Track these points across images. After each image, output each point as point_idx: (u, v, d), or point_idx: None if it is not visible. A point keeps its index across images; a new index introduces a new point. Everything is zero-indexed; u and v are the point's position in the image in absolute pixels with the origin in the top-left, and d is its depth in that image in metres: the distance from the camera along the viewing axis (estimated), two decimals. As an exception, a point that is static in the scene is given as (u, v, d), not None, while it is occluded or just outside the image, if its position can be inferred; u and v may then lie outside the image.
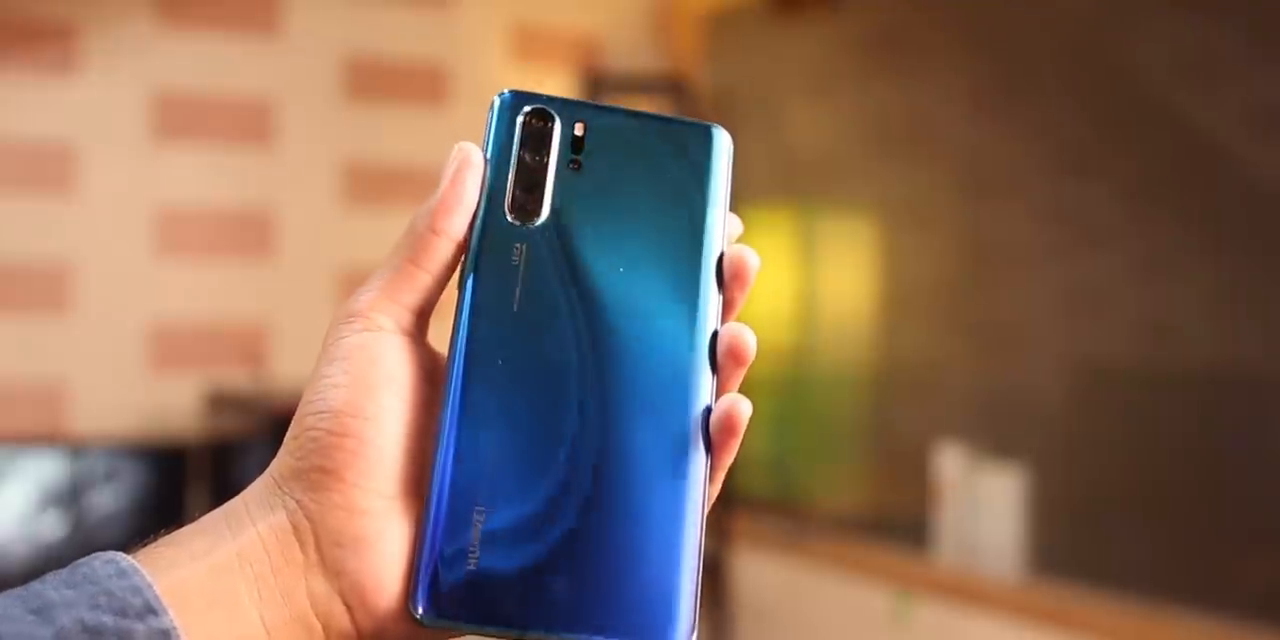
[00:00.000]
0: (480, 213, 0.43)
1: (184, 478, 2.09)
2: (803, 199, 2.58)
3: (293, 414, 0.42)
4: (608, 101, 2.57)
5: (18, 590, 0.37)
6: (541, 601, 0.39)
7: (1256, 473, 1.75)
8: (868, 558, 2.29)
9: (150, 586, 0.37)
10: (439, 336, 0.44)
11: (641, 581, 0.40)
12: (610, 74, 2.68)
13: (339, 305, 0.46)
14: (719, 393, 0.43)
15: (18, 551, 1.97)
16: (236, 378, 2.38)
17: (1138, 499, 1.90)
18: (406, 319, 0.43)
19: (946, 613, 2.10)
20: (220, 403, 2.25)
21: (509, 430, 0.41)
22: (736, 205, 0.46)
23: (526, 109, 0.44)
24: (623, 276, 0.43)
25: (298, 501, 0.40)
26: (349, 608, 0.39)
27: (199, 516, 0.41)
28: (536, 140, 0.44)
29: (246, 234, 2.44)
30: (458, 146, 0.44)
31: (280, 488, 0.40)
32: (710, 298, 0.43)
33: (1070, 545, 2.02)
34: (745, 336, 0.43)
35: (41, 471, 2.01)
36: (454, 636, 0.41)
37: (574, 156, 0.44)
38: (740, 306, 0.44)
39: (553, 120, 0.44)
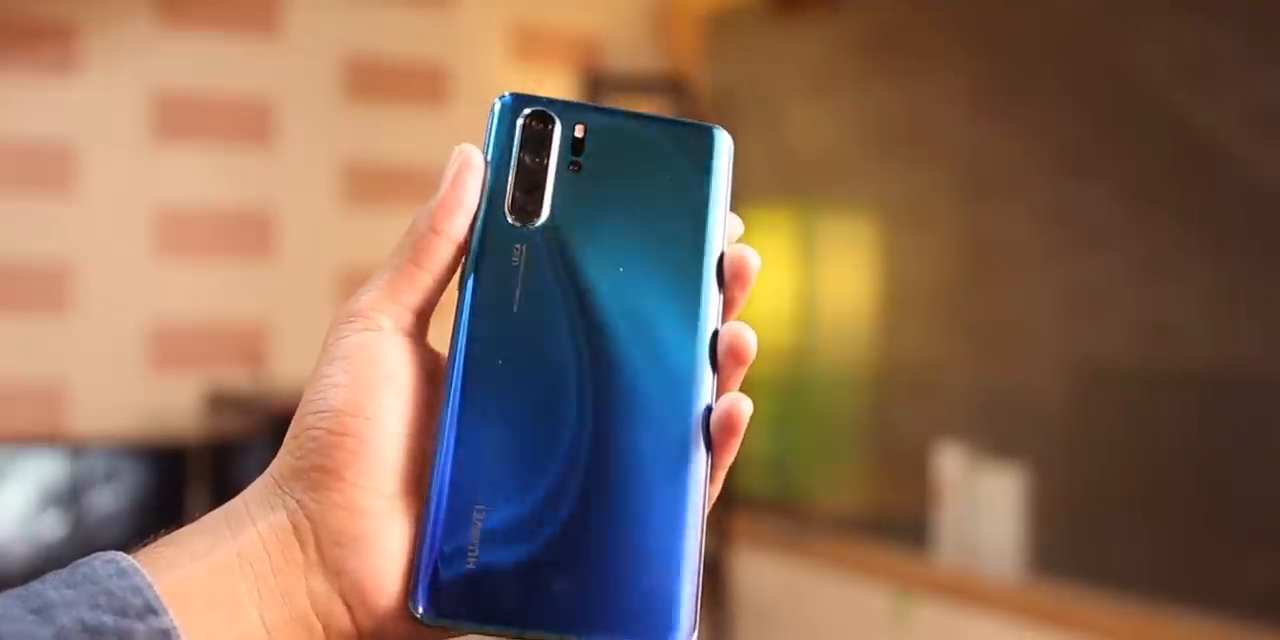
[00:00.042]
0: (481, 214, 0.43)
1: (184, 478, 2.09)
2: (803, 199, 2.58)
3: (293, 414, 0.42)
4: (608, 102, 2.58)
5: (18, 590, 0.37)
6: (541, 601, 0.39)
7: (1256, 473, 1.75)
8: (868, 558, 2.29)
9: (150, 586, 0.37)
10: (439, 337, 0.44)
11: (642, 581, 0.40)
12: (610, 74, 2.68)
13: (339, 305, 0.46)
14: (719, 392, 0.43)
15: (18, 551, 1.97)
16: (236, 378, 2.38)
17: (1138, 499, 1.90)
18: (407, 319, 0.43)
19: (946, 613, 2.10)
20: (220, 403, 2.25)
21: (509, 430, 0.41)
22: (736, 205, 0.46)
23: (527, 111, 0.45)
24: (623, 276, 0.43)
25: (298, 501, 0.40)
26: (349, 607, 0.39)
27: (199, 516, 0.41)
28: (536, 142, 0.44)
29: (246, 234, 2.44)
30: (458, 148, 0.44)
31: (280, 487, 0.40)
32: (711, 297, 0.43)
33: (1070, 545, 2.02)
34: (746, 335, 0.43)
35: (41, 471, 2.01)
36: (454, 635, 0.41)
37: (574, 158, 0.44)
38: (741, 306, 0.44)
39: (553, 122, 0.45)
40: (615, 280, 0.43)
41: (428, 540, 0.40)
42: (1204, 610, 1.78)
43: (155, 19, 2.37)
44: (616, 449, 0.41)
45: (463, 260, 0.43)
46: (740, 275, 0.44)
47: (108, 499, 2.04)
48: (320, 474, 0.40)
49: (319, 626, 0.39)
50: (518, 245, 0.43)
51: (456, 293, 0.43)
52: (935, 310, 2.27)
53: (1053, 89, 2.06)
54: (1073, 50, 2.04)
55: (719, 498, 0.43)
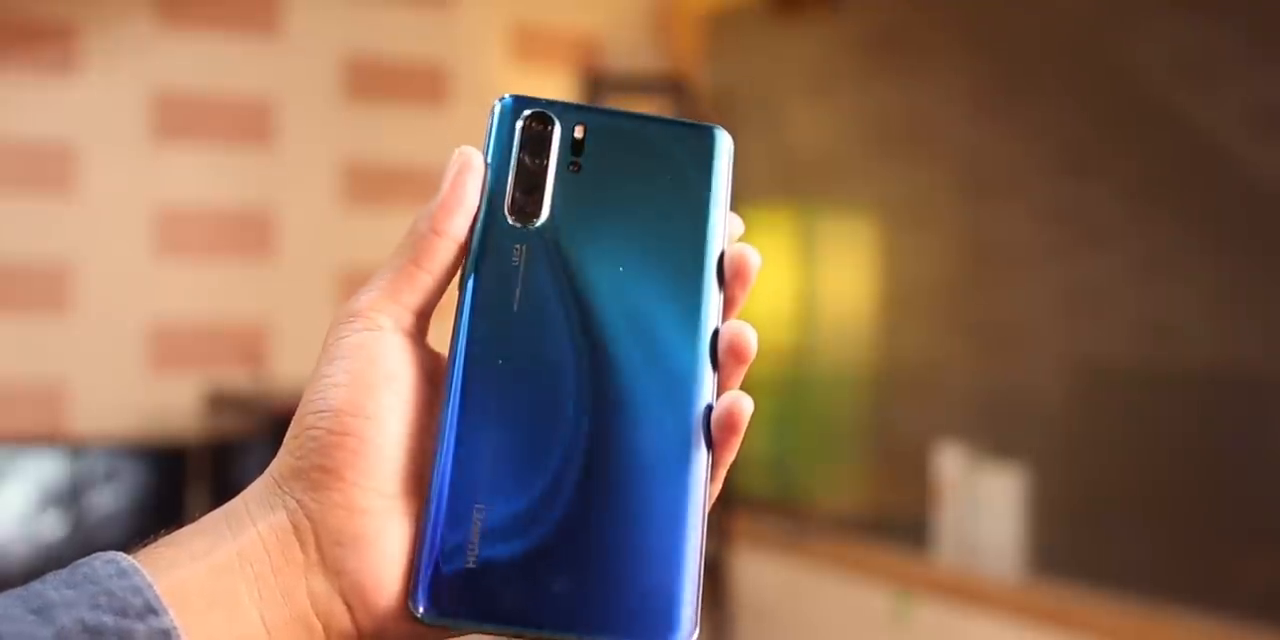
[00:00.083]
0: (481, 214, 0.43)
1: (184, 478, 2.09)
2: (803, 199, 2.58)
3: (293, 414, 0.42)
4: (608, 102, 2.57)
5: (18, 590, 0.37)
6: (542, 600, 0.39)
7: (1256, 473, 1.75)
8: (868, 558, 2.29)
9: (151, 586, 0.37)
10: (439, 337, 0.44)
11: (643, 580, 0.40)
12: (610, 74, 2.68)
13: (340, 305, 0.46)
14: (720, 390, 0.43)
15: (18, 551, 1.97)
16: (236, 378, 2.38)
17: (1138, 499, 1.90)
18: (407, 319, 0.43)
19: (946, 613, 2.10)
20: (220, 403, 2.25)
21: (509, 429, 0.41)
22: (736, 205, 0.46)
23: (526, 113, 0.45)
24: (623, 276, 0.43)
25: (298, 501, 0.40)
26: (349, 607, 0.39)
27: (199, 516, 0.41)
28: (536, 143, 0.44)
29: (246, 234, 2.44)
30: (458, 151, 0.44)
31: (280, 487, 0.41)
32: (711, 296, 0.43)
33: (1070, 545, 2.02)
34: (746, 334, 0.43)
35: (41, 471, 2.01)
36: (455, 635, 0.41)
37: (574, 159, 0.45)
38: (741, 305, 0.44)
39: (552, 124, 0.45)
40: (615, 279, 0.43)
41: (428, 539, 0.40)
42: (1204, 610, 1.78)
43: (155, 19, 2.37)
44: (617, 448, 0.41)
45: (463, 261, 0.43)
46: (741, 274, 0.44)
47: (108, 499, 2.04)
48: (320, 474, 0.40)
49: (319, 626, 0.39)
50: (518, 245, 0.43)
51: (457, 293, 0.43)
52: (935, 310, 2.27)
53: (1053, 89, 2.06)
54: (1073, 50, 2.04)
55: (719, 497, 0.43)
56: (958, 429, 2.17)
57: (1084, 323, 1.98)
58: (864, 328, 2.40)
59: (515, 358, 0.42)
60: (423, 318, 0.44)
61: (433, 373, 0.43)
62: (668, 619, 0.40)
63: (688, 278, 0.44)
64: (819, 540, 2.39)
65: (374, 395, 0.41)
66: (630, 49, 2.82)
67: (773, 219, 2.61)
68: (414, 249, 0.43)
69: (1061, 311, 2.02)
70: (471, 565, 0.40)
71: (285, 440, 0.41)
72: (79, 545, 1.99)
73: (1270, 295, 1.75)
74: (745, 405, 0.42)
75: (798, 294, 2.55)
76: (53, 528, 2.00)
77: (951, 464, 2.13)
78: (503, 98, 0.45)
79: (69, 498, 2.01)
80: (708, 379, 0.43)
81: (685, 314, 0.43)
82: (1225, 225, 1.81)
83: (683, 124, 0.46)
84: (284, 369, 2.44)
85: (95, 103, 2.32)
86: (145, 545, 0.40)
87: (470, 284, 0.43)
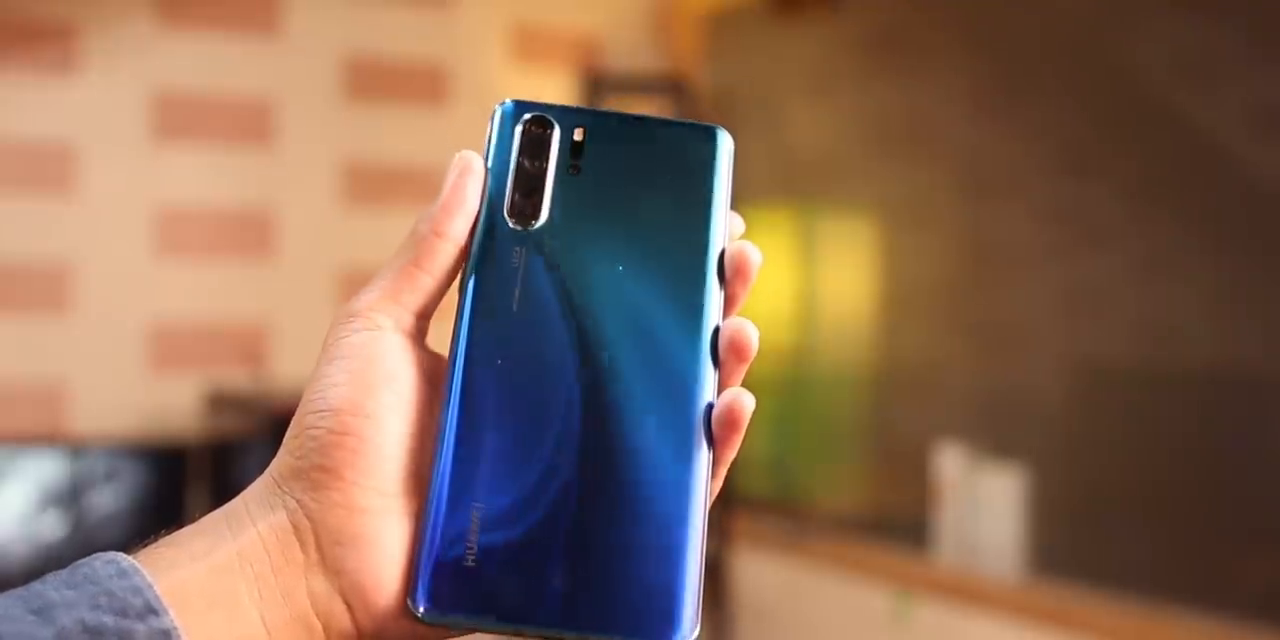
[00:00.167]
0: (481, 217, 0.44)
1: (184, 478, 2.09)
2: (803, 199, 2.58)
3: (293, 414, 0.42)
4: (608, 102, 2.57)
5: (18, 590, 0.37)
6: (542, 598, 0.39)
7: (1256, 473, 1.75)
8: (868, 558, 2.29)
9: (151, 587, 0.37)
10: (440, 338, 0.44)
11: (643, 577, 0.40)
12: (610, 74, 2.68)
13: (340, 306, 0.46)
14: (721, 388, 0.43)
15: (18, 551, 1.97)
16: (236, 378, 2.38)
17: (1138, 499, 1.90)
18: (407, 320, 0.43)
19: (946, 613, 2.10)
20: (220, 403, 2.25)
21: (509, 428, 0.41)
22: (736, 205, 0.46)
23: (526, 117, 0.45)
24: (623, 275, 0.43)
25: (298, 501, 0.40)
26: (349, 606, 0.39)
27: (199, 517, 0.41)
28: (535, 146, 0.45)
29: (246, 234, 2.44)
30: (459, 154, 0.44)
31: (280, 487, 0.41)
32: (712, 294, 0.44)
33: (1070, 545, 2.02)
34: (747, 331, 0.43)
35: (41, 471, 2.01)
36: (454, 634, 0.41)
37: (573, 161, 0.45)
38: (742, 302, 0.44)
39: (552, 127, 0.45)
40: (615, 279, 0.43)
41: (427, 538, 0.40)
42: (1204, 610, 1.78)
43: (155, 19, 2.37)
44: (617, 446, 0.41)
45: (463, 262, 0.44)
46: (741, 271, 0.44)
47: (108, 499, 2.04)
48: (320, 473, 0.40)
49: (319, 626, 0.39)
50: (518, 247, 0.43)
51: (457, 295, 0.43)
52: (935, 310, 2.27)
53: (1053, 89, 2.06)
54: (1073, 50, 2.04)
55: (719, 497, 0.43)
56: (958, 429, 2.17)
57: (1084, 323, 1.98)
58: (864, 328, 2.40)
59: (515, 358, 0.42)
60: (423, 319, 0.44)
61: (432, 373, 0.43)
62: (668, 617, 0.40)
63: (688, 276, 0.44)
64: (819, 540, 2.39)
65: (374, 395, 0.41)
66: (630, 49, 2.82)
67: (773, 219, 2.61)
68: (414, 250, 0.43)
69: (1061, 311, 2.02)
70: (470, 564, 0.40)
71: (285, 440, 0.41)
72: (79, 545, 1.99)
73: (1270, 295, 1.75)
74: (746, 402, 0.42)
75: (798, 294, 2.55)
76: (53, 528, 2.00)
77: (951, 464, 2.13)
78: (503, 102, 0.46)
79: (69, 498, 2.01)
80: (709, 377, 0.43)
81: (686, 312, 0.43)
82: (1225, 225, 1.81)
83: (683, 124, 0.46)
84: (284, 369, 2.44)
85: (95, 103, 2.32)
86: (145, 546, 0.40)
87: (470, 285, 0.43)
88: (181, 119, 2.39)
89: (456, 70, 2.64)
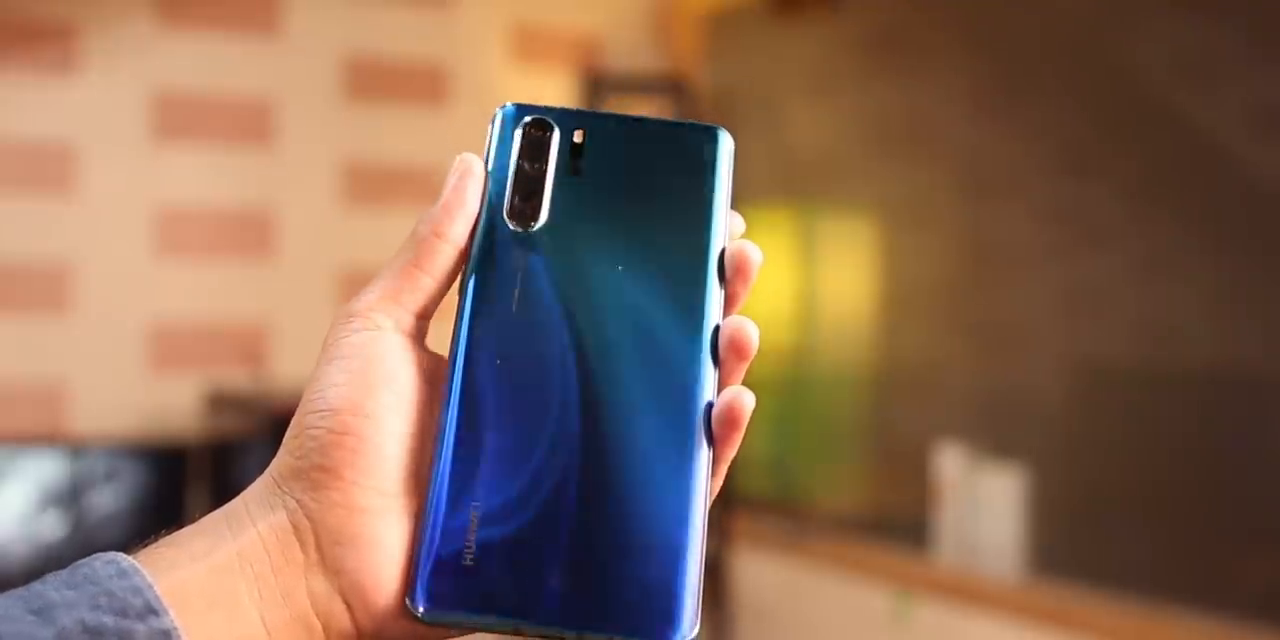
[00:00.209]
0: (481, 219, 0.44)
1: (184, 478, 2.09)
2: (803, 199, 2.58)
3: (293, 414, 0.42)
4: (608, 102, 2.57)
5: (18, 591, 0.37)
6: (541, 596, 0.40)
7: (1256, 473, 1.75)
8: (868, 558, 2.29)
9: (151, 587, 0.37)
10: (440, 339, 0.44)
11: (643, 575, 0.40)
12: (610, 74, 2.68)
13: (340, 306, 0.46)
14: (722, 387, 0.43)
15: (18, 551, 1.97)
16: (236, 378, 2.38)
17: (1138, 499, 1.90)
18: (407, 320, 0.43)
19: (946, 613, 2.10)
20: (220, 403, 2.25)
21: (508, 428, 0.41)
22: (736, 205, 0.46)
23: (526, 120, 0.45)
24: (622, 275, 0.43)
25: (298, 501, 0.40)
26: (349, 606, 0.39)
27: (199, 517, 0.41)
28: (535, 149, 0.45)
29: (246, 234, 2.44)
30: (459, 157, 0.45)
31: (280, 487, 0.41)
32: (712, 293, 0.44)
33: (1070, 545, 2.02)
34: (747, 329, 0.43)
35: (41, 471, 2.01)
36: (454, 633, 0.41)
37: (573, 162, 0.45)
38: (743, 301, 0.44)
39: (551, 129, 0.45)
40: (614, 278, 0.43)
41: (426, 538, 0.40)
42: (1204, 610, 1.79)
43: (155, 19, 2.37)
44: (617, 445, 0.41)
45: (463, 264, 0.44)
46: (742, 270, 0.44)
47: (108, 499, 2.04)
48: (320, 473, 0.40)
49: (319, 626, 0.39)
50: (518, 248, 0.44)
51: (457, 296, 0.43)
52: (935, 310, 2.27)
53: (1053, 89, 2.06)
54: (1073, 50, 2.04)
55: (719, 497, 0.43)
56: (958, 429, 2.17)
57: (1084, 323, 1.98)
58: (864, 328, 2.40)
59: (514, 358, 0.42)
60: (423, 319, 0.44)
61: (432, 373, 0.43)
62: (668, 614, 0.40)
63: (689, 275, 0.44)
64: (819, 540, 2.39)
65: (373, 394, 0.41)
66: (630, 49, 2.82)
67: (773, 219, 2.61)
68: (415, 251, 0.43)
69: (1061, 311, 2.02)
70: (469, 563, 0.40)
71: (285, 440, 0.41)
72: (79, 545, 1.99)
73: (1270, 295, 1.75)
74: (747, 400, 0.42)
75: (798, 294, 2.55)
76: (53, 528, 2.00)
77: (951, 464, 2.13)
78: (504, 105, 0.46)
79: (69, 498, 2.01)
80: (709, 375, 0.43)
81: (686, 311, 0.43)
82: (1225, 225, 1.81)
83: (683, 125, 0.46)
84: (284, 369, 2.44)
85: (95, 103, 2.32)
86: (145, 546, 0.40)
87: (470, 286, 0.43)
88: (181, 119, 2.39)
89: (456, 70, 2.64)
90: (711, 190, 0.45)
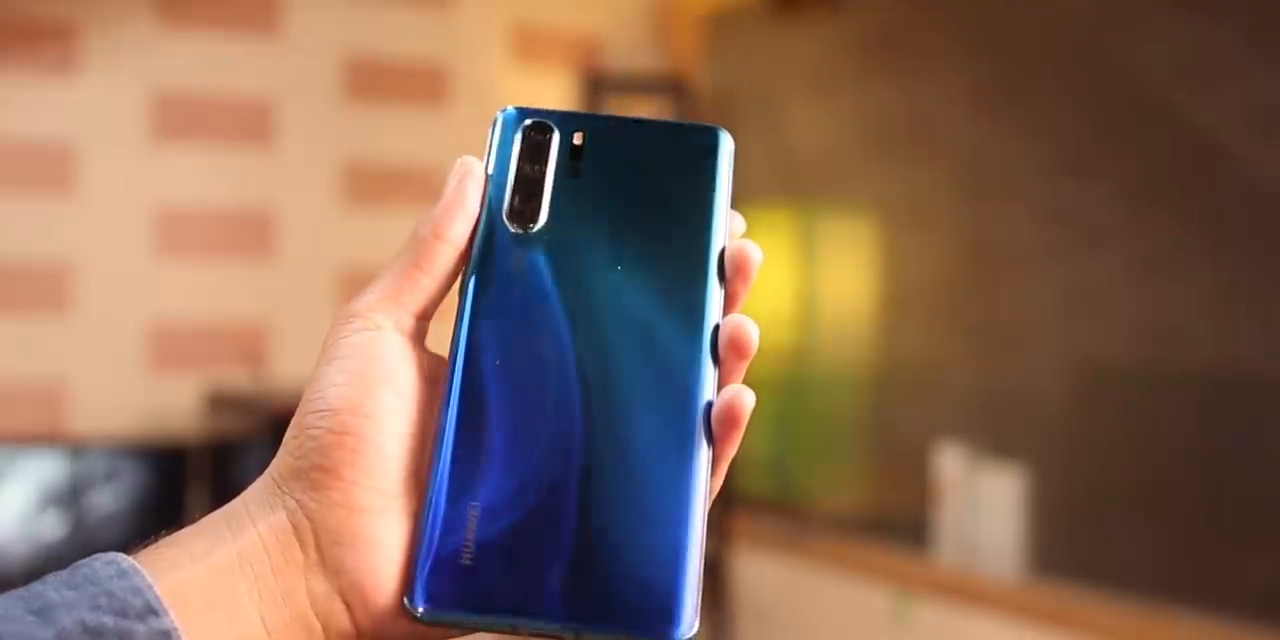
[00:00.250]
0: (482, 221, 0.44)
1: (184, 478, 2.09)
2: (803, 199, 2.58)
3: (293, 414, 0.42)
4: (608, 102, 2.57)
5: (18, 591, 0.37)
6: (540, 595, 0.40)
7: (1256, 473, 1.75)
8: (868, 558, 2.29)
9: (151, 587, 0.37)
10: (440, 340, 0.44)
11: (643, 574, 0.40)
12: (610, 74, 2.69)
13: (340, 306, 0.46)
14: (722, 386, 0.43)
15: (18, 551, 1.97)
16: (236, 378, 2.38)
17: (1138, 499, 1.90)
18: (407, 321, 0.43)
19: (946, 613, 2.10)
20: (220, 403, 2.25)
21: (508, 428, 0.41)
22: (736, 205, 0.46)
23: (527, 122, 0.46)
24: (622, 275, 0.44)
25: (298, 501, 0.40)
26: (349, 606, 0.39)
27: (199, 517, 0.41)
28: (535, 151, 0.45)
29: (246, 234, 2.44)
30: (460, 160, 0.45)
31: (280, 487, 0.41)
32: (712, 292, 0.44)
33: (1070, 545, 2.02)
34: (746, 328, 0.43)
35: (41, 471, 2.01)
36: (454, 633, 0.41)
37: (573, 164, 0.45)
38: (743, 301, 0.45)
39: (551, 132, 0.46)
40: (614, 279, 0.43)
41: (425, 538, 0.40)
42: (1204, 610, 1.79)
43: (155, 19, 2.37)
44: (616, 443, 0.41)
45: (464, 265, 0.44)
46: (742, 269, 0.44)
47: (108, 499, 2.04)
48: (320, 473, 0.40)
49: (318, 627, 0.39)
50: (518, 249, 0.44)
51: (457, 297, 0.44)
52: (935, 310, 2.27)
53: (1053, 89, 2.06)
54: (1073, 50, 2.04)
55: (719, 497, 0.43)
56: (958, 429, 2.17)
57: (1084, 323, 1.98)
58: (864, 328, 2.40)
59: (514, 357, 0.42)
60: (423, 320, 0.44)
61: (432, 373, 0.43)
62: (668, 612, 0.40)
63: (688, 274, 0.44)
64: (819, 540, 2.39)
65: (373, 394, 0.41)
66: (630, 49, 2.82)
67: (773, 219, 2.61)
68: (415, 252, 0.44)
69: (1061, 311, 2.02)
70: (467, 562, 0.40)
71: (285, 440, 0.41)
72: (79, 545, 1.99)
73: (1270, 295, 1.75)
74: (747, 399, 0.42)
75: (798, 294, 2.55)
76: (53, 528, 2.00)
77: (951, 464, 2.13)
78: (504, 109, 0.46)
79: (69, 498, 2.01)
80: (709, 374, 0.43)
81: (686, 310, 0.43)
82: (1225, 225, 1.81)
83: (683, 126, 0.47)
84: (284, 369, 2.44)
85: (95, 103, 2.32)
86: (145, 546, 0.40)
87: (470, 286, 0.43)
88: (181, 119, 2.39)
89: (456, 70, 2.64)
90: (712, 190, 0.45)
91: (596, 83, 2.58)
